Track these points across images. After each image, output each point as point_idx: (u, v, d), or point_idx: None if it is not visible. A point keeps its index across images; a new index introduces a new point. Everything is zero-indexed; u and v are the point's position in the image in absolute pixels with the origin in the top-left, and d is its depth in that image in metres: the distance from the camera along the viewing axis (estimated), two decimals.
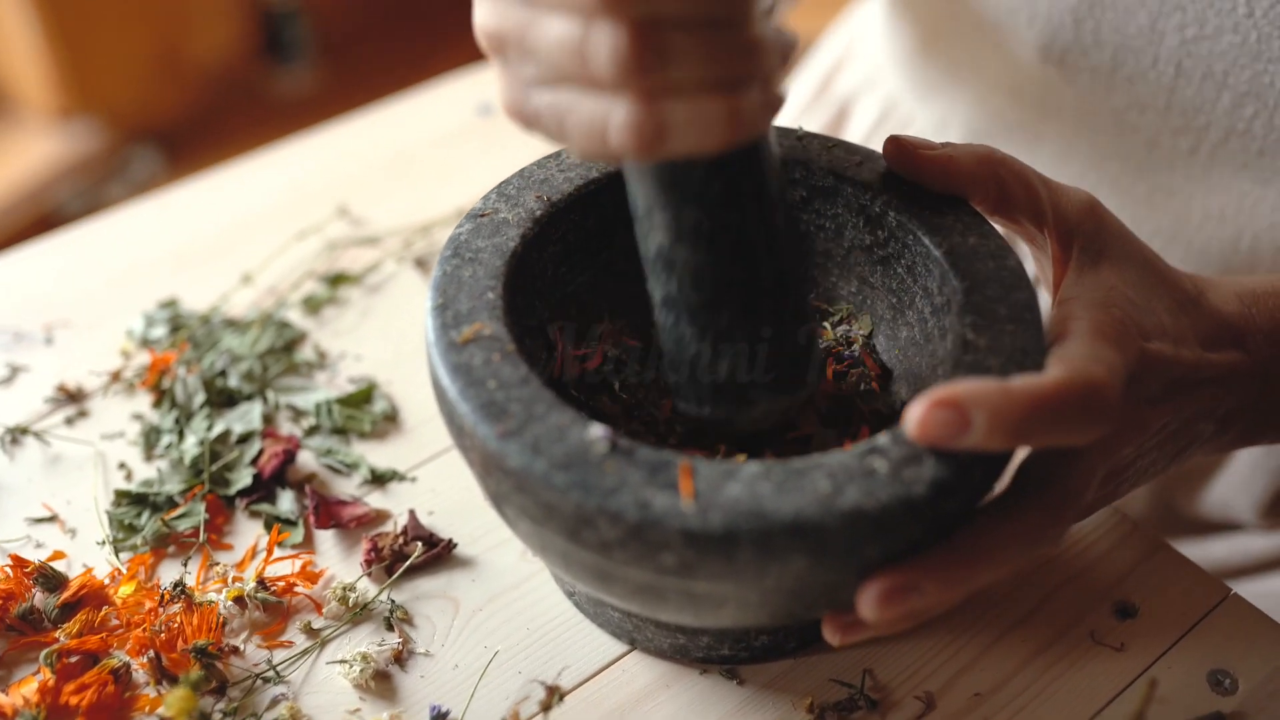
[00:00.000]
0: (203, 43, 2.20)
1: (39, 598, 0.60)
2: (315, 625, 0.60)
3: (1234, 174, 0.73)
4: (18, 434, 0.69)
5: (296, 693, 0.57)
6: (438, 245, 0.80)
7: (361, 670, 0.57)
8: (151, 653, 0.57)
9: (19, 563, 0.60)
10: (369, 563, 0.62)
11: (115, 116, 2.06)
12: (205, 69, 2.22)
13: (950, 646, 0.59)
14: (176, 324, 0.74)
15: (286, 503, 0.65)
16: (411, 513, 0.64)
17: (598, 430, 0.47)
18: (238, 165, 0.87)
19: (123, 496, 0.65)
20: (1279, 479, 0.79)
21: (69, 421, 0.69)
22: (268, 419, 0.69)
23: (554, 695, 0.56)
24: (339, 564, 0.63)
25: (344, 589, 0.60)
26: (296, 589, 0.61)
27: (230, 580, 0.61)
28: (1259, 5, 0.68)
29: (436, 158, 0.88)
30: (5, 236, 1.88)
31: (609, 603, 0.57)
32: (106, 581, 0.61)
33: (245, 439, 0.67)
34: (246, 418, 0.68)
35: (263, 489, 0.65)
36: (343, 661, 0.58)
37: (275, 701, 0.57)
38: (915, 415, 0.47)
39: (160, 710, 0.55)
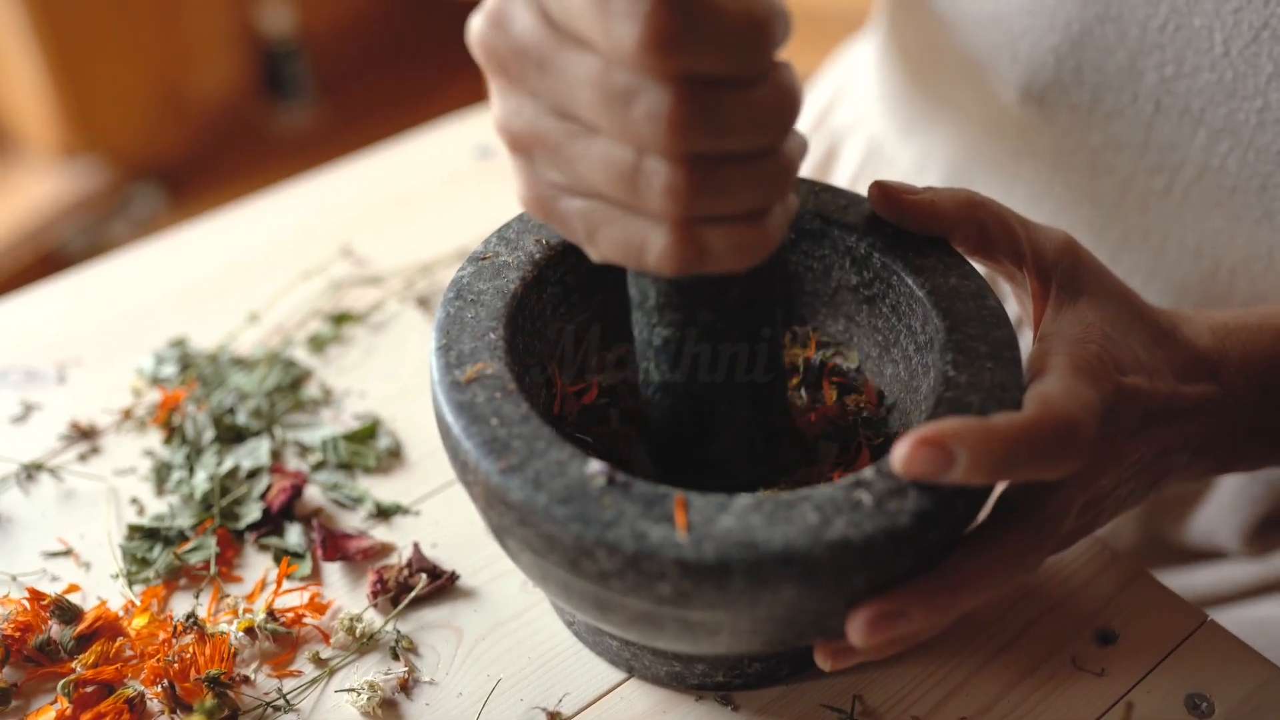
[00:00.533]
0: (203, 81, 2.23)
1: (55, 629, 0.62)
2: (323, 655, 0.62)
3: (1207, 212, 0.76)
4: (32, 470, 0.71)
5: None
6: (439, 284, 0.83)
7: (369, 698, 0.59)
8: (166, 682, 0.59)
9: (36, 595, 0.62)
10: (375, 594, 0.64)
11: (117, 154, 2.08)
12: (206, 107, 2.25)
13: (937, 672, 0.61)
14: (186, 362, 0.76)
15: (294, 536, 0.67)
16: (416, 545, 0.66)
17: (596, 466, 0.49)
18: (243, 206, 0.90)
19: (135, 531, 0.67)
20: (1262, 508, 0.81)
21: (82, 458, 0.72)
22: (275, 455, 0.71)
23: None
24: (346, 595, 0.65)
25: (351, 620, 0.62)
26: (305, 620, 0.63)
27: (241, 612, 0.63)
28: (1235, 45, 0.70)
29: (436, 199, 0.90)
30: (8, 274, 1.90)
31: (608, 631, 0.59)
32: (120, 613, 0.63)
33: (254, 474, 0.70)
34: (255, 453, 0.71)
35: (271, 523, 0.67)
36: (351, 690, 0.60)
37: None
38: (901, 453, 0.49)
39: None
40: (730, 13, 0.43)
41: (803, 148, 0.49)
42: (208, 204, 2.12)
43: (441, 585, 0.65)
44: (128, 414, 0.74)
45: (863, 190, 0.63)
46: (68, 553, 0.67)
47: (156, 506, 0.69)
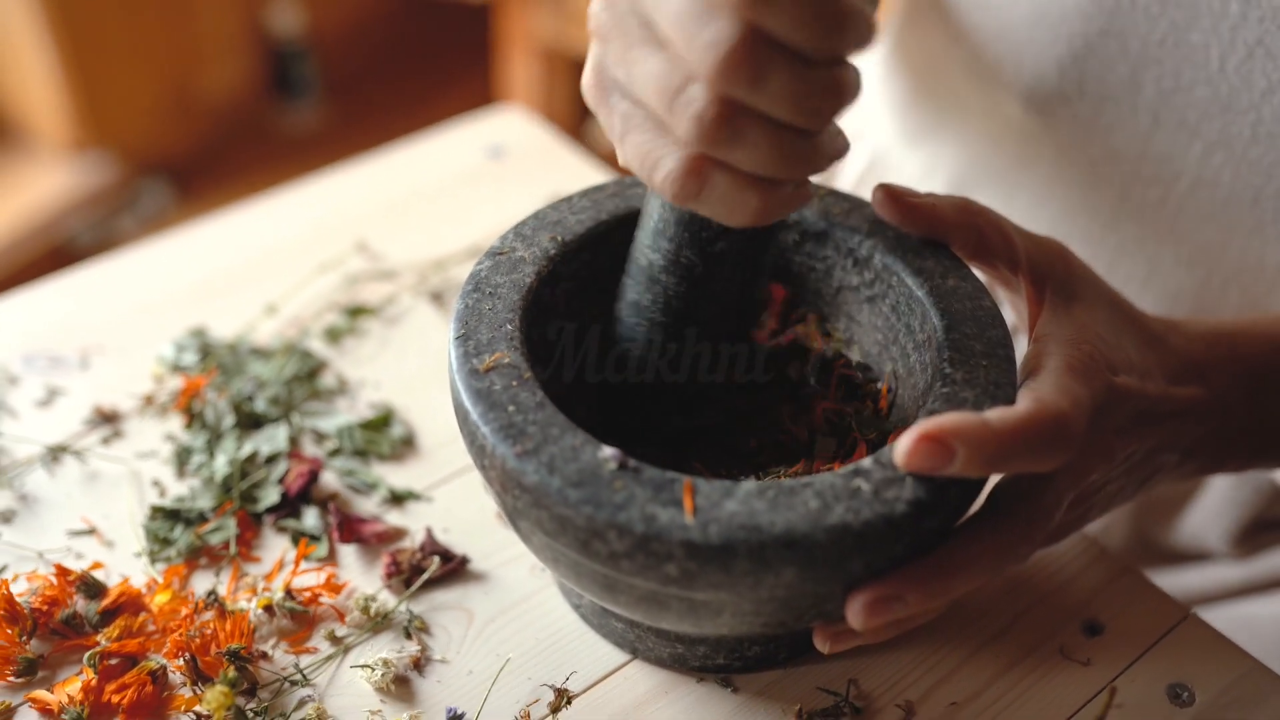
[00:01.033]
0: (212, 79, 2.26)
1: (81, 604, 0.64)
2: (339, 633, 0.64)
3: (1201, 222, 0.78)
4: (57, 452, 0.73)
5: (322, 695, 0.61)
6: (451, 280, 0.85)
7: (383, 674, 0.61)
8: (187, 655, 0.61)
9: (62, 571, 0.64)
10: (389, 576, 0.66)
11: (127, 150, 2.11)
12: (214, 105, 2.27)
13: (930, 659, 0.64)
14: (206, 351, 0.79)
15: (311, 519, 0.69)
16: (428, 530, 0.68)
17: (608, 451, 0.52)
18: (261, 202, 0.92)
19: (157, 511, 0.69)
20: (1248, 511, 0.83)
21: (105, 441, 0.74)
22: (293, 441, 0.73)
23: (562, 699, 0.61)
24: (360, 577, 0.67)
25: (366, 600, 0.65)
26: (321, 599, 0.65)
27: (260, 590, 0.65)
28: (1230, 61, 0.72)
29: (449, 198, 0.93)
30: (19, 267, 1.92)
31: (614, 612, 0.62)
32: (143, 590, 0.65)
33: (272, 459, 0.72)
34: (273, 440, 0.73)
35: (289, 506, 0.70)
36: (365, 666, 0.62)
37: (302, 703, 0.61)
38: (903, 447, 0.51)
39: (198, 707, 0.59)
40: None
41: (838, 149, 0.52)
42: (215, 201, 2.15)
43: (453, 568, 0.67)
44: (149, 400, 0.76)
45: (867, 196, 0.66)
46: (92, 532, 0.69)
47: (177, 489, 0.71)
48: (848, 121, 1.01)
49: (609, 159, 1.48)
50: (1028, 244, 0.62)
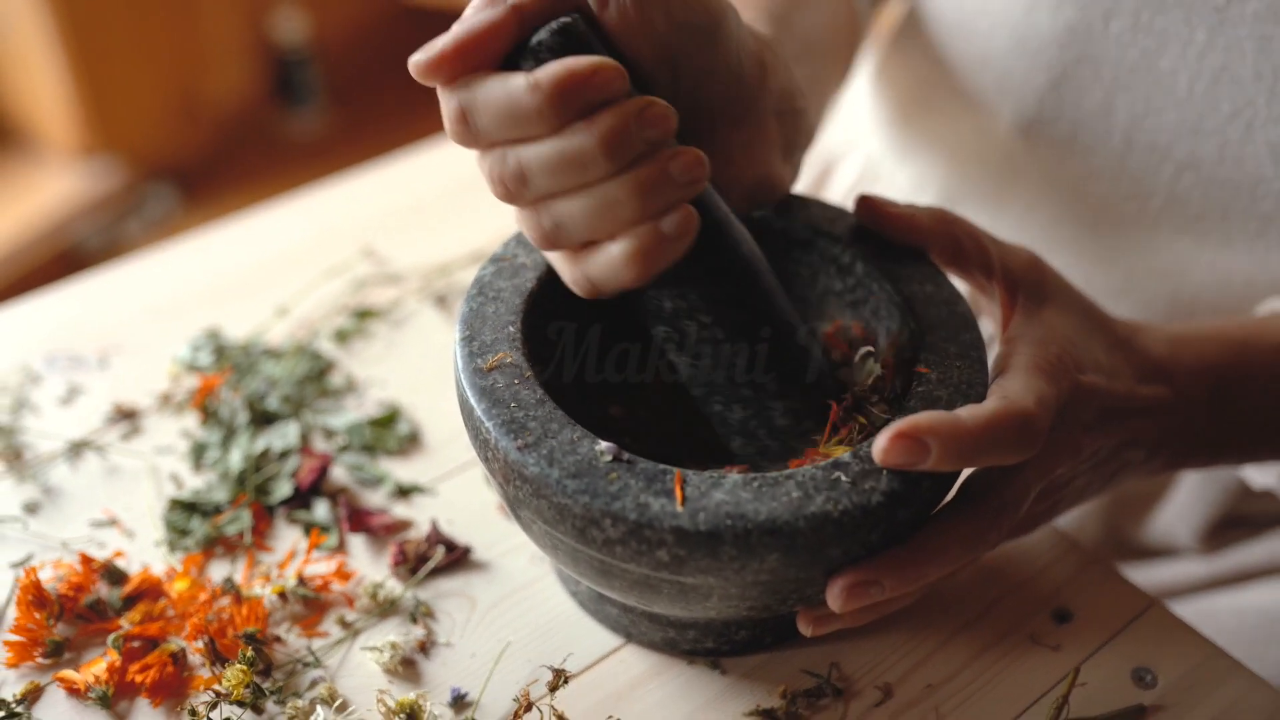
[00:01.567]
0: (217, 85, 2.29)
1: (104, 590, 0.68)
2: (348, 618, 0.68)
3: (1174, 236, 0.82)
4: (79, 447, 0.77)
5: (333, 675, 0.65)
6: (455, 284, 0.89)
7: (390, 656, 0.65)
8: (206, 638, 0.64)
9: (86, 560, 0.68)
10: (396, 564, 0.70)
11: (134, 155, 2.14)
12: (220, 111, 2.31)
13: (907, 644, 0.67)
14: (220, 352, 0.82)
15: (322, 511, 0.73)
16: (433, 521, 0.72)
17: (604, 445, 0.55)
18: (271, 208, 0.96)
19: (176, 504, 0.72)
20: (1216, 509, 0.86)
21: (125, 437, 0.77)
22: (304, 437, 0.77)
23: (559, 679, 0.64)
24: (369, 565, 0.71)
25: (374, 587, 0.68)
26: (332, 586, 0.69)
27: (273, 577, 0.69)
28: (1197, 87, 0.76)
29: (451, 204, 0.96)
30: (28, 270, 1.96)
31: (609, 598, 0.65)
32: (163, 578, 0.69)
33: (284, 455, 0.75)
34: (285, 436, 0.77)
35: (300, 499, 0.73)
36: (374, 649, 0.65)
37: (314, 683, 0.64)
38: (880, 444, 0.55)
39: (216, 686, 0.63)
40: (498, 94, 0.53)
41: (682, 167, 0.54)
42: (220, 205, 2.18)
43: (456, 558, 0.70)
44: (167, 398, 0.79)
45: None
46: (113, 522, 0.72)
47: (194, 482, 0.75)
48: (842, 130, 1.04)
49: None
50: (1001, 252, 0.66)
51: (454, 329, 0.62)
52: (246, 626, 0.65)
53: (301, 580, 0.68)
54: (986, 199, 0.90)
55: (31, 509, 0.73)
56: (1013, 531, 0.64)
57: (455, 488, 0.75)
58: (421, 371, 0.82)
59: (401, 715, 0.62)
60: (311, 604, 0.68)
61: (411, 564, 0.70)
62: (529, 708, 0.63)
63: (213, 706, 0.62)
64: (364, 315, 0.86)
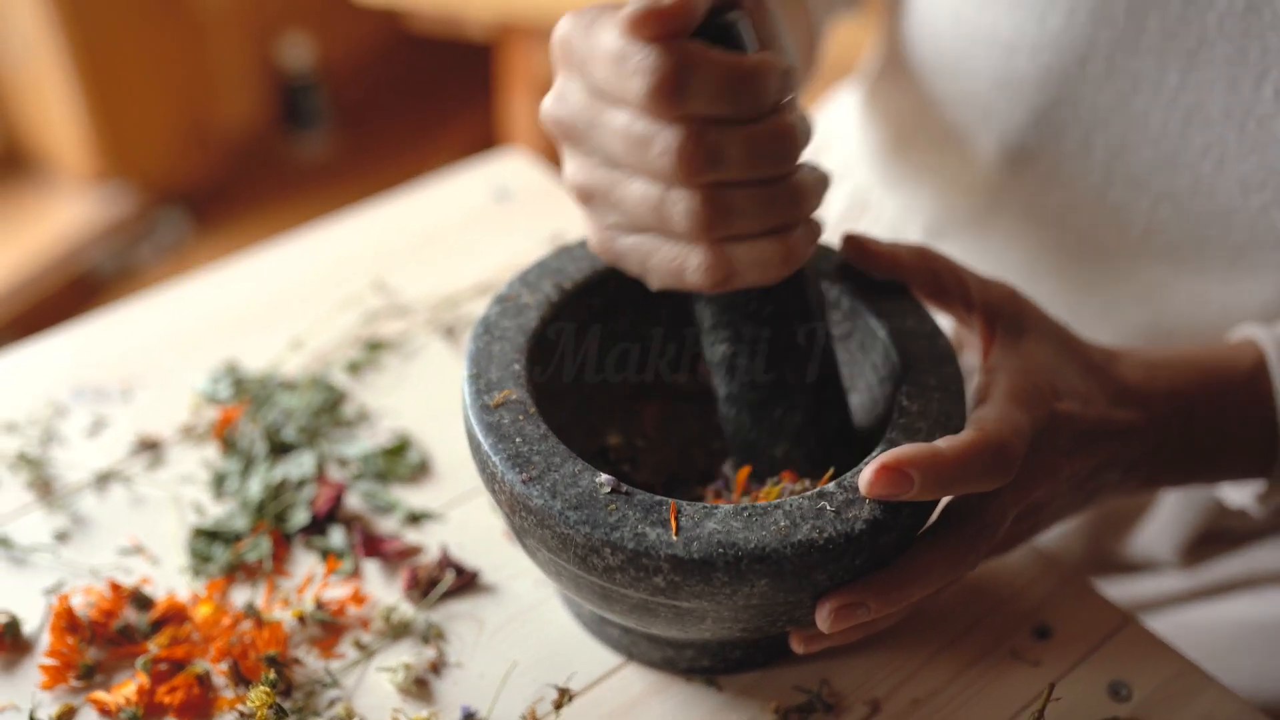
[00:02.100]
0: (226, 112, 2.33)
1: (132, 615, 0.72)
2: (364, 640, 0.71)
3: (1152, 264, 0.85)
4: (104, 478, 0.80)
5: (350, 695, 0.69)
6: (462, 316, 0.92)
7: (405, 677, 0.68)
8: (230, 661, 0.68)
9: (115, 586, 0.72)
10: (408, 588, 0.74)
11: (145, 181, 2.18)
12: (229, 136, 2.35)
13: (894, 661, 0.71)
14: (238, 384, 0.86)
15: (337, 538, 0.76)
16: (443, 547, 0.75)
17: (603, 478, 0.59)
18: (284, 243, 1.00)
19: (199, 532, 0.76)
20: (1196, 525, 0.89)
21: (148, 467, 0.81)
22: (319, 467, 0.81)
23: (564, 697, 0.68)
24: (382, 589, 0.74)
25: (387, 610, 0.72)
26: (348, 610, 0.72)
27: (292, 602, 0.72)
28: (1170, 125, 0.80)
29: (458, 238, 1.00)
30: (44, 296, 2.00)
31: (610, 620, 0.69)
32: (187, 603, 0.72)
33: (301, 484, 0.79)
34: (301, 465, 0.80)
35: (317, 526, 0.77)
36: (388, 669, 0.69)
37: (332, 702, 0.68)
38: (866, 477, 0.58)
39: (240, 706, 0.67)
40: (723, 65, 0.53)
41: (819, 180, 0.58)
42: (230, 229, 2.22)
43: (465, 581, 0.74)
44: (188, 429, 0.83)
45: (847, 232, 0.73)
46: (139, 550, 0.76)
47: (215, 511, 0.79)
48: (831, 160, 1.08)
49: None
50: (980, 286, 0.70)
51: (462, 365, 0.66)
52: (268, 649, 0.69)
53: (319, 604, 0.72)
54: (971, 229, 0.93)
55: (63, 537, 0.77)
56: (994, 550, 0.68)
57: (464, 514, 0.79)
58: (430, 402, 0.86)
59: None
60: (329, 627, 0.72)
61: (423, 588, 0.74)
62: None
63: None
64: (375, 347, 0.90)
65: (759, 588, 0.57)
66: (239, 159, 2.36)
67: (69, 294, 2.03)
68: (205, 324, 0.92)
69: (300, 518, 0.77)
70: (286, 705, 0.67)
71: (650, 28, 0.52)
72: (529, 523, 0.60)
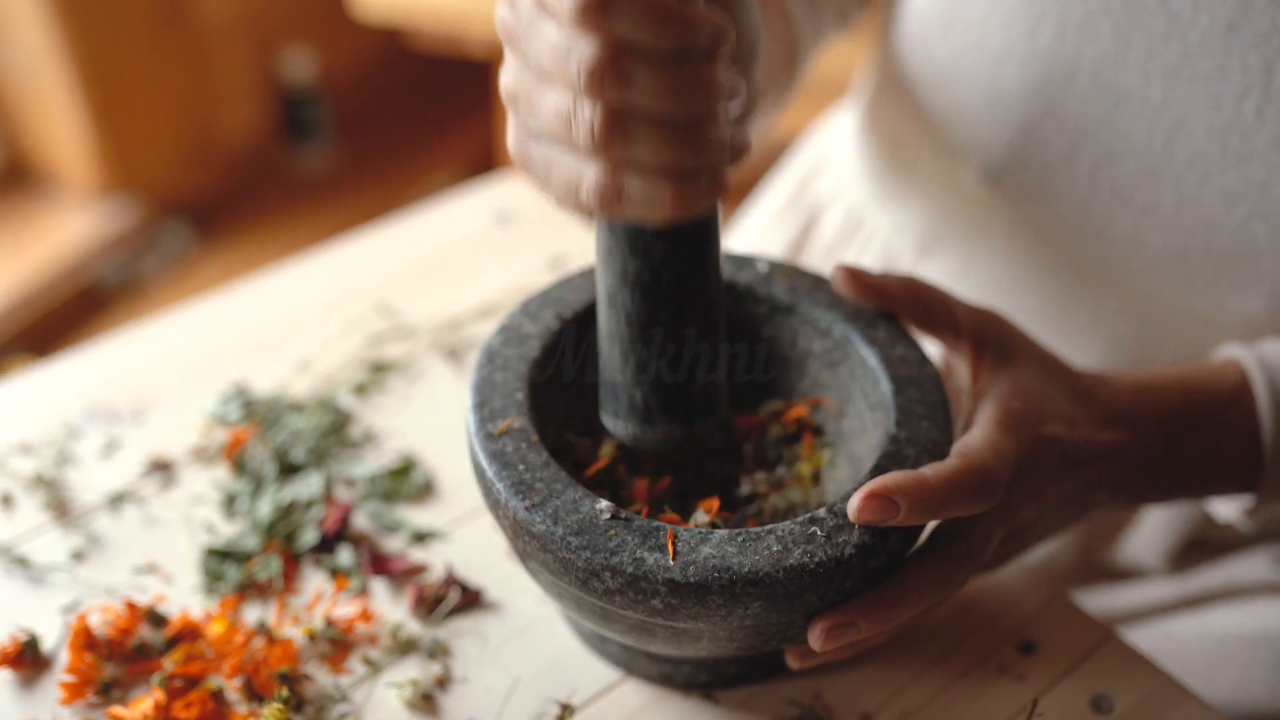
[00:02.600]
0: (229, 124, 2.36)
1: (148, 633, 0.74)
2: (372, 656, 0.74)
3: (1136, 277, 0.87)
4: (118, 499, 0.83)
5: (359, 710, 0.71)
6: (465, 338, 0.95)
7: (412, 692, 0.71)
8: (243, 677, 0.71)
9: (131, 605, 0.74)
10: (415, 606, 0.76)
11: (149, 194, 2.20)
12: (232, 148, 2.37)
13: (885, 675, 0.73)
14: (247, 406, 0.88)
15: (345, 557, 0.79)
16: (448, 565, 0.78)
17: (603, 504, 0.62)
18: (289, 266, 1.02)
19: (211, 551, 0.79)
20: (1183, 533, 0.91)
21: (161, 488, 0.84)
22: (327, 487, 0.83)
23: (566, 712, 0.70)
24: (389, 607, 0.77)
25: (395, 627, 0.74)
26: (356, 628, 0.75)
27: (302, 619, 0.75)
28: (1154, 139, 0.82)
29: (460, 260, 1.02)
30: (49, 309, 2.02)
31: (610, 638, 0.71)
32: (201, 621, 0.75)
33: (309, 504, 0.82)
34: (310, 486, 0.83)
35: (325, 545, 0.79)
36: (396, 685, 0.72)
37: (342, 717, 0.71)
38: (855, 504, 0.61)
39: None
40: None
41: (739, 143, 0.59)
42: (233, 240, 2.25)
43: (470, 599, 0.77)
44: (199, 451, 0.86)
45: (842, 250, 0.75)
46: (153, 569, 0.79)
47: (226, 530, 0.81)
48: (828, 179, 1.10)
49: None
50: (967, 314, 0.72)
51: (466, 394, 0.68)
52: (280, 666, 0.71)
53: (329, 622, 0.74)
54: (960, 242, 0.96)
55: (78, 557, 0.79)
56: (981, 569, 0.70)
57: (468, 533, 0.81)
58: (434, 423, 0.88)
59: None
60: (338, 644, 0.74)
61: (429, 605, 0.76)
62: None
63: None
64: (380, 369, 0.92)
65: (753, 609, 0.60)
66: (241, 171, 2.39)
67: (74, 307, 2.05)
68: (213, 346, 0.95)
69: (309, 537, 0.79)
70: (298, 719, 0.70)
71: None
72: (532, 547, 0.62)
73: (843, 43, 1.08)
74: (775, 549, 0.60)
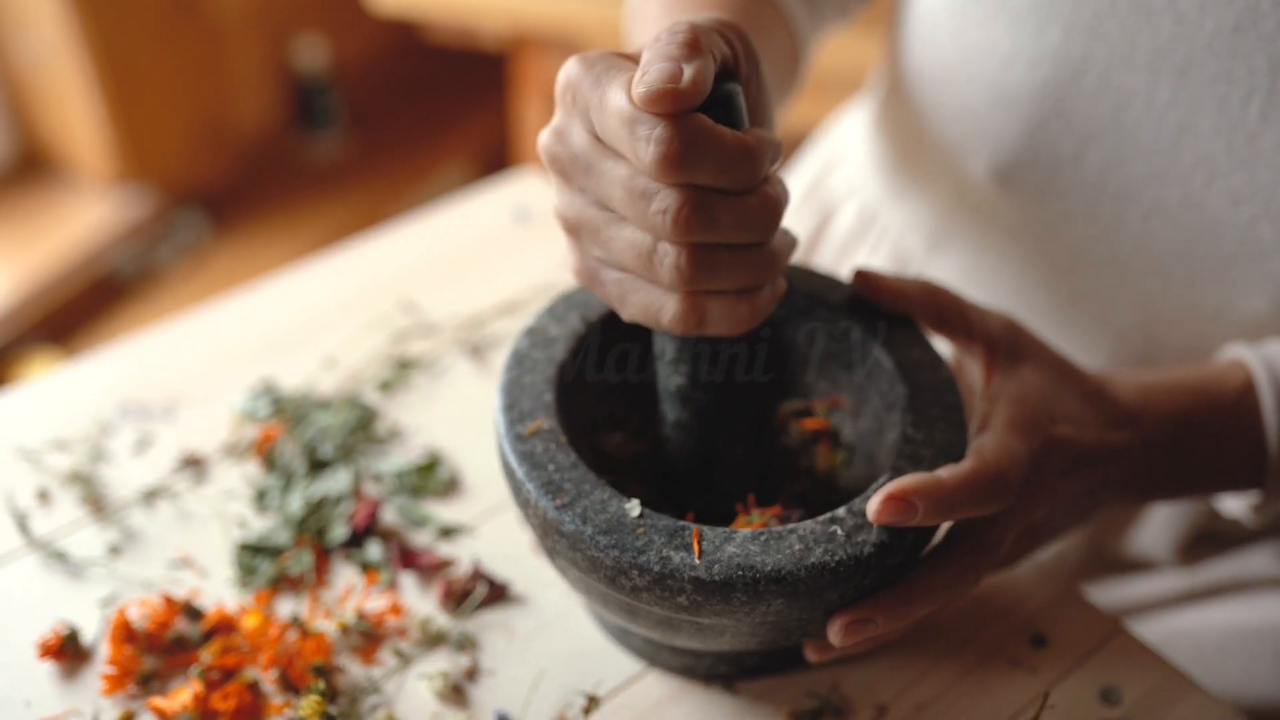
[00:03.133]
0: (242, 113, 2.37)
1: (185, 626, 0.76)
2: (402, 649, 0.76)
3: (1143, 275, 0.89)
4: (151, 495, 0.85)
5: (391, 702, 0.73)
6: (487, 335, 0.97)
7: (441, 683, 0.73)
8: (278, 669, 0.73)
9: (168, 599, 0.76)
10: (443, 599, 0.78)
11: (164, 183, 2.22)
12: (245, 137, 2.39)
13: (900, 668, 0.75)
14: (276, 403, 0.91)
15: (375, 551, 0.81)
16: (475, 560, 0.80)
17: (631, 503, 0.64)
18: (314, 265, 1.04)
19: (244, 546, 0.81)
20: (1192, 524, 0.93)
21: (193, 483, 0.86)
22: (355, 482, 0.85)
23: (592, 703, 0.73)
24: (418, 600, 0.79)
25: (424, 620, 0.77)
26: (386, 621, 0.77)
27: (334, 612, 0.77)
28: (1161, 140, 0.83)
29: (481, 258, 1.04)
30: (66, 298, 2.04)
31: (635, 631, 0.73)
32: (235, 614, 0.77)
33: (339, 500, 0.84)
34: (338, 482, 0.85)
35: (355, 540, 0.82)
36: (426, 677, 0.74)
37: (375, 708, 0.73)
38: (874, 506, 0.63)
39: (288, 711, 0.71)
40: (726, 144, 0.57)
41: (789, 244, 0.63)
42: (247, 228, 2.27)
43: (497, 593, 0.79)
44: (230, 447, 0.88)
45: (857, 245, 0.76)
46: (188, 563, 0.81)
47: (258, 525, 0.83)
48: (843, 175, 1.12)
49: None
50: (980, 317, 0.74)
51: (495, 396, 0.70)
52: (314, 658, 0.74)
53: (360, 615, 0.76)
54: (969, 240, 0.97)
55: (114, 551, 0.81)
56: (996, 567, 0.72)
57: (493, 528, 0.83)
58: (459, 419, 0.90)
59: None
60: (369, 636, 0.76)
61: (457, 599, 0.78)
62: None
63: None
64: (405, 366, 0.94)
65: (775, 606, 0.62)
66: (254, 160, 2.40)
67: (90, 296, 2.08)
68: (240, 344, 0.97)
69: (339, 532, 0.82)
70: (332, 711, 0.72)
71: (664, 106, 0.56)
72: (561, 545, 0.64)
73: (858, 39, 1.09)
74: (797, 548, 0.62)
